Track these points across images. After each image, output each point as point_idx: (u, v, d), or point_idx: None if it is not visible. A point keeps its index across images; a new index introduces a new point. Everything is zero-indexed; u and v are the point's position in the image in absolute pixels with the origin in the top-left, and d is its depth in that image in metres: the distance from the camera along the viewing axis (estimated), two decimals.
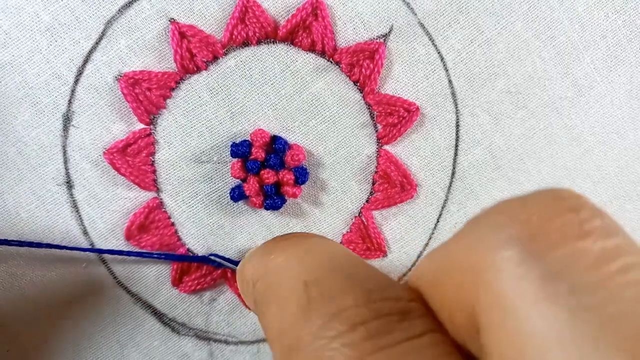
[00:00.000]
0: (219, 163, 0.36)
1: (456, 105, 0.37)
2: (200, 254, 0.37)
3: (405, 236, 0.38)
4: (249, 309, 0.37)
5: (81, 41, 0.33)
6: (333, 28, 0.35)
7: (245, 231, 0.37)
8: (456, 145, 0.37)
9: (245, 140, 0.35)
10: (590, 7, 0.36)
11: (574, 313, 0.13)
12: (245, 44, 0.35)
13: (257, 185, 0.36)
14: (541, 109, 0.38)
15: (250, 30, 0.35)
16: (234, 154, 0.35)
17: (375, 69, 0.35)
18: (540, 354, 0.13)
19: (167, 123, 0.35)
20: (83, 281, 0.36)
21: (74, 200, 0.35)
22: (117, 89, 0.34)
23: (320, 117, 0.36)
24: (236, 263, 0.36)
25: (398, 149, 0.37)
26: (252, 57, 0.35)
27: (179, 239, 0.37)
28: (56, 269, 0.35)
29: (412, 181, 0.37)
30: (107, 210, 0.36)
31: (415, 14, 0.35)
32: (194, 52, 0.34)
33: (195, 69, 0.35)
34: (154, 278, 0.37)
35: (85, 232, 0.35)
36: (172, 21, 0.34)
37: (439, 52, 0.36)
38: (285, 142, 0.36)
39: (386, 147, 0.37)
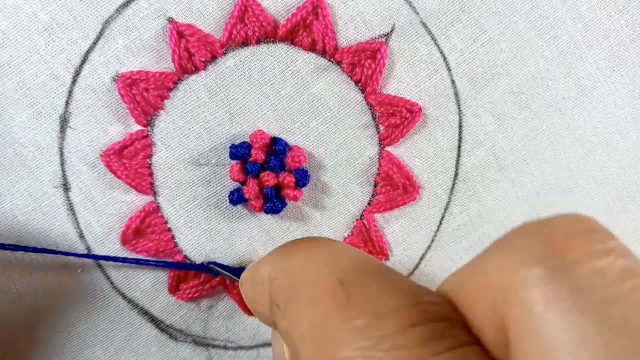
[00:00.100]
0: (217, 165, 0.36)
1: (459, 105, 0.37)
2: (197, 261, 0.37)
3: (408, 239, 0.38)
4: (251, 314, 0.37)
5: (79, 41, 0.33)
6: (334, 27, 0.35)
7: (244, 236, 0.37)
8: (459, 147, 0.37)
9: (244, 142, 0.35)
10: (593, 7, 0.36)
11: (603, 323, 0.14)
12: (245, 43, 0.35)
13: (257, 188, 0.35)
14: (544, 109, 0.37)
15: (249, 29, 0.34)
16: (233, 155, 0.35)
17: (377, 69, 0.35)
18: None
19: (164, 124, 0.35)
20: (79, 286, 0.36)
21: (70, 203, 0.35)
22: (114, 89, 0.34)
23: (321, 118, 0.36)
24: (235, 271, 0.35)
25: (400, 151, 0.37)
26: (252, 56, 0.35)
27: (176, 244, 0.36)
28: (53, 272, 0.35)
29: (414, 183, 0.37)
30: (103, 213, 0.35)
31: (418, 13, 0.35)
32: (192, 51, 0.34)
33: (194, 69, 0.34)
34: (150, 284, 0.36)
35: (81, 236, 0.35)
36: (170, 20, 0.33)
37: (441, 52, 0.36)
38: (286, 144, 0.35)
39: (388, 148, 0.37)
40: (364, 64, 0.35)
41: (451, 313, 0.18)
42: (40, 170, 0.34)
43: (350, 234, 0.38)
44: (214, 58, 0.34)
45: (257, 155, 0.35)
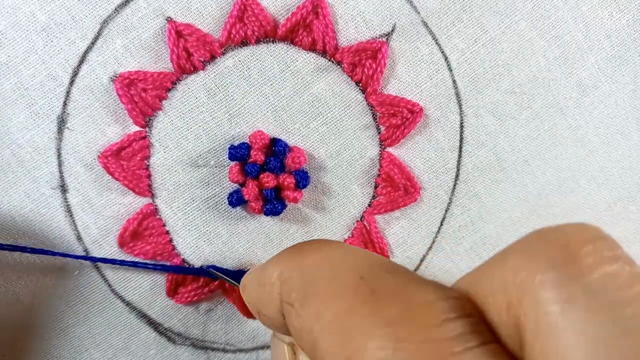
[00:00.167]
0: (216, 167, 0.36)
1: (460, 106, 0.36)
2: (196, 264, 0.36)
3: (408, 240, 0.38)
4: (250, 317, 0.37)
5: (77, 41, 0.33)
6: (334, 27, 0.35)
7: (243, 239, 0.37)
8: (460, 147, 0.37)
9: (243, 143, 0.35)
10: (595, 7, 0.36)
11: (615, 323, 0.15)
12: (244, 43, 0.34)
13: (257, 189, 0.35)
14: (546, 109, 0.37)
15: (249, 29, 0.34)
16: (232, 156, 0.35)
17: (378, 69, 0.35)
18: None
19: (162, 125, 0.35)
20: (77, 288, 0.35)
21: (67, 205, 0.34)
22: (112, 90, 0.34)
23: (322, 119, 0.36)
24: (234, 274, 0.35)
25: (401, 151, 0.37)
26: (251, 56, 0.35)
27: (174, 248, 0.36)
28: (50, 274, 0.35)
29: (415, 184, 0.37)
30: (101, 215, 0.35)
31: (419, 13, 0.35)
32: (190, 51, 0.34)
33: (192, 69, 0.34)
34: (148, 287, 0.36)
35: (79, 238, 0.35)
36: (169, 20, 0.33)
37: (442, 52, 0.36)
38: (286, 145, 0.35)
39: (389, 149, 0.37)
40: (364, 64, 0.35)
41: (475, 308, 0.18)
42: (37, 171, 0.34)
43: (350, 235, 0.38)
44: (213, 58, 0.34)
45: (257, 156, 0.35)
